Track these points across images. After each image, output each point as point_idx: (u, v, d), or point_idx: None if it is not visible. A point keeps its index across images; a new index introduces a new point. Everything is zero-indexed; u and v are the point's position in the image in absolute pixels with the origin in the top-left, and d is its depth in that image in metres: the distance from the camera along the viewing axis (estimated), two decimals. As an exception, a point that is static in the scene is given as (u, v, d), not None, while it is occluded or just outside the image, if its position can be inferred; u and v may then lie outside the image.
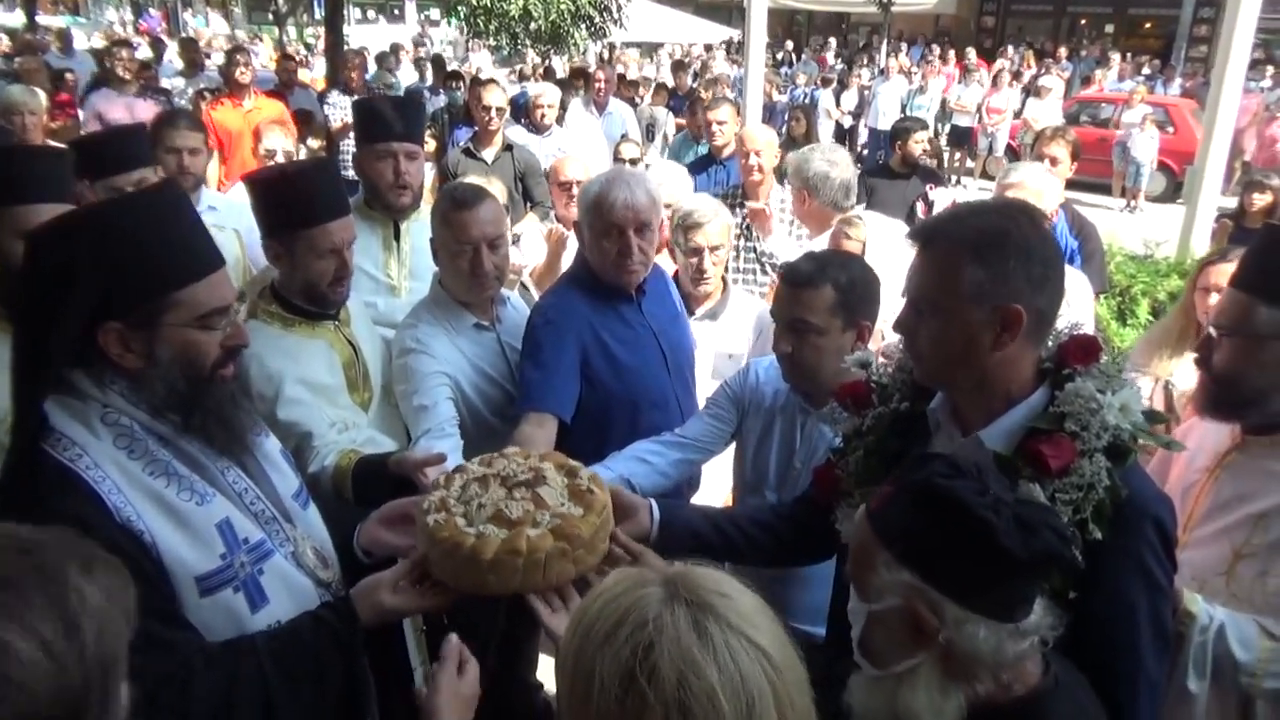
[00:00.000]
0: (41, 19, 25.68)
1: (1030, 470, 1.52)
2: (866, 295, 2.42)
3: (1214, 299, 2.90)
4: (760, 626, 1.07)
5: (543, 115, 6.76)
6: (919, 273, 1.64)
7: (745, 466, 2.70)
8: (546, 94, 6.96)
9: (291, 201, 2.46)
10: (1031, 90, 15.76)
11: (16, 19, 23.43)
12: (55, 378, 1.55)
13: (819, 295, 2.34)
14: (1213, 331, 2.03)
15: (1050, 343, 1.67)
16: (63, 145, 3.59)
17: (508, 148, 5.96)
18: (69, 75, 10.56)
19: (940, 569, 1.29)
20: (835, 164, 4.16)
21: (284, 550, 1.74)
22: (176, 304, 1.57)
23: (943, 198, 5.96)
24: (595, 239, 2.71)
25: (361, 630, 1.67)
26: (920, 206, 5.98)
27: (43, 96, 6.73)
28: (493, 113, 5.85)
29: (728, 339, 3.37)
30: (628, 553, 1.82)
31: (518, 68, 15.90)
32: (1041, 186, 3.81)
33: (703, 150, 6.65)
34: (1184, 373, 2.92)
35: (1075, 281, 3.76)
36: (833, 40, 25.90)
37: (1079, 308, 3.63)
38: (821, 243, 4.08)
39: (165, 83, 9.75)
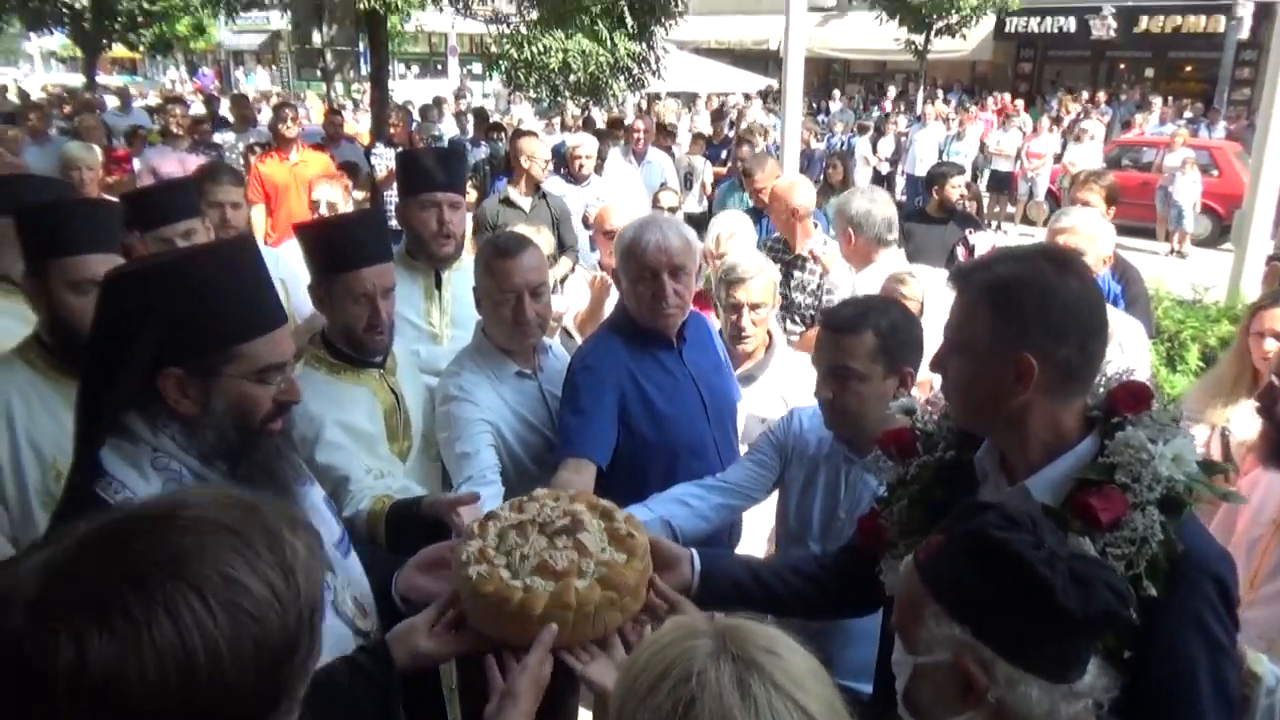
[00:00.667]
0: (101, 78, 26.77)
1: (1079, 523, 1.48)
2: (909, 341, 2.39)
3: (1269, 344, 2.84)
4: (810, 690, 1.03)
5: (580, 165, 6.89)
6: (951, 314, 1.65)
7: (788, 516, 2.65)
8: (584, 145, 7.10)
9: (329, 247, 2.54)
10: (1072, 135, 15.68)
11: (78, 79, 24.40)
12: (113, 421, 1.59)
13: (860, 341, 2.32)
14: (1275, 380, 1.98)
15: (1101, 389, 1.64)
16: (114, 198, 3.71)
17: (543, 195, 6.16)
18: (141, 131, 10.96)
19: (993, 625, 1.25)
20: (875, 201, 4.36)
21: (325, 598, 1.73)
22: (238, 356, 1.61)
23: (984, 242, 5.92)
24: (630, 283, 2.73)
25: (397, 675, 1.66)
26: (961, 251, 5.94)
27: (99, 152, 6.98)
28: (536, 162, 6.07)
29: (764, 403, 3.26)
30: (665, 601, 1.79)
31: (557, 119, 16.23)
32: (1094, 231, 3.77)
33: (749, 202, 6.72)
34: (1240, 420, 2.85)
35: (1128, 327, 3.70)
36: (857, 90, 26.05)
37: (1134, 354, 3.57)
38: (867, 278, 4.14)
39: (217, 137, 10.06)
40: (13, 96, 18.81)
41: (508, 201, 6.09)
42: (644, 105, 18.54)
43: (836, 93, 26.47)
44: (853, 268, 4.43)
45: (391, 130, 11.79)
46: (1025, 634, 1.23)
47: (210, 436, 1.61)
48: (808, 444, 2.58)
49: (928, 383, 2.53)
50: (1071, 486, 1.55)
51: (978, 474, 1.74)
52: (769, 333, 3.47)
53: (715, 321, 3.51)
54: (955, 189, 6.47)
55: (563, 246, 5.98)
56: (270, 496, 1.16)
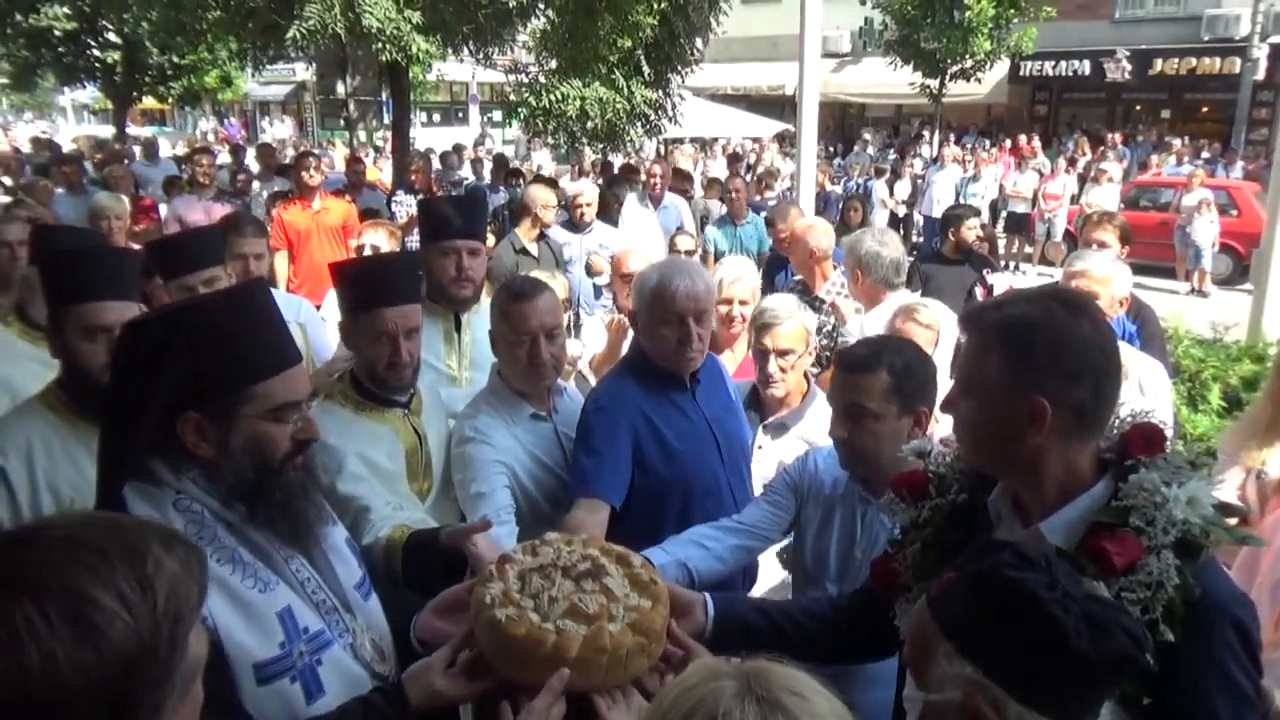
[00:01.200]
0: (131, 129, 27.39)
1: (1094, 567, 1.47)
2: (923, 380, 2.40)
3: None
4: None
5: (582, 214, 7.00)
6: (961, 354, 1.67)
7: (805, 557, 2.64)
8: (585, 192, 7.23)
9: (357, 285, 2.62)
10: (1090, 176, 15.71)
11: (108, 131, 24.98)
12: (135, 464, 1.62)
13: (874, 380, 2.33)
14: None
15: (1114, 431, 1.63)
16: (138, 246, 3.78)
17: (543, 237, 6.50)
18: (178, 180, 11.19)
19: (1005, 665, 1.24)
20: (885, 244, 4.44)
21: (343, 641, 1.75)
22: (254, 396, 1.64)
23: (1002, 283, 5.94)
24: (654, 327, 2.75)
25: (412, 715, 1.65)
26: (979, 291, 5.96)
27: (126, 202, 7.15)
28: (547, 210, 6.36)
29: (794, 453, 3.07)
30: (681, 648, 1.77)
31: (577, 165, 16.42)
32: (1109, 274, 3.78)
33: (764, 243, 6.82)
34: (1277, 462, 2.82)
35: (1148, 368, 3.70)
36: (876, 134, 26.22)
37: (1154, 394, 3.54)
38: (874, 319, 4.15)
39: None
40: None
41: (524, 251, 6.36)
42: (662, 150, 18.74)
43: (866, 135, 26.59)
44: (861, 307, 4.46)
45: (413, 177, 11.97)
46: (1037, 675, 1.23)
47: (229, 478, 1.63)
48: (823, 484, 2.58)
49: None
50: (1085, 530, 1.54)
51: (991, 517, 1.73)
52: (808, 379, 3.41)
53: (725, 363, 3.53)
54: (971, 230, 6.50)
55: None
56: (158, 524, 1.23)
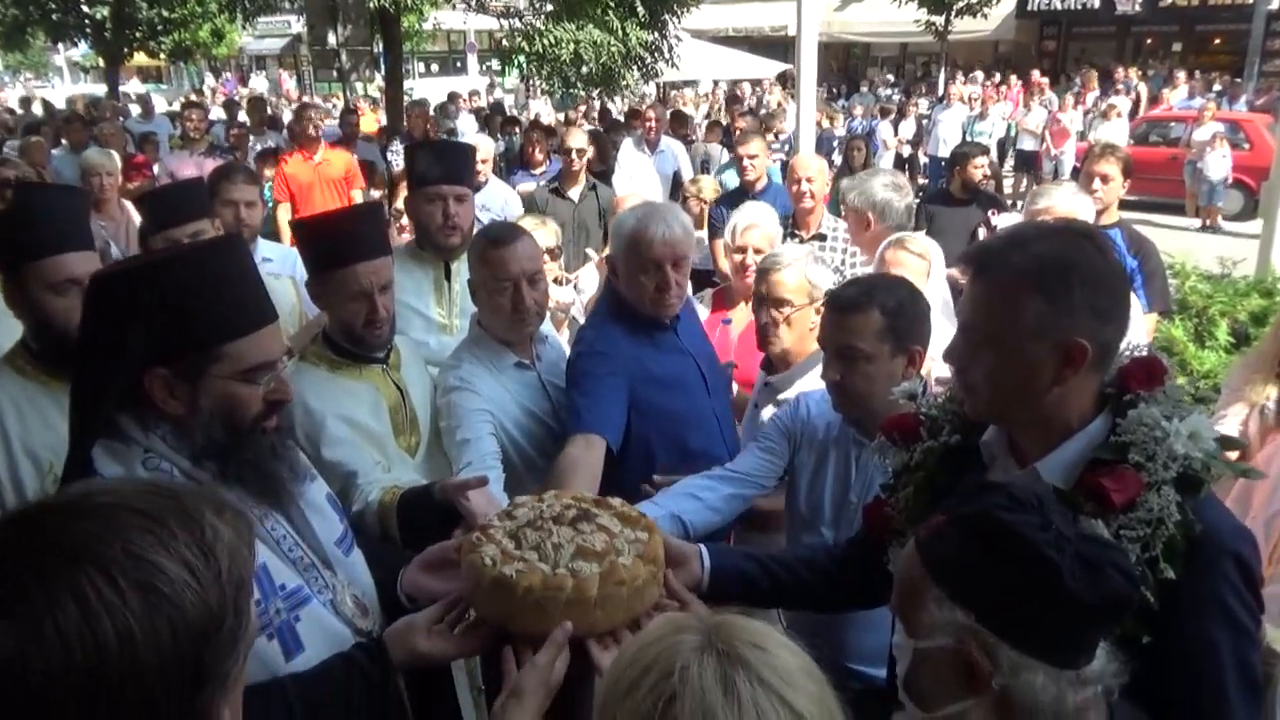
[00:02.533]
0: (127, 87, 27.08)
1: (1092, 505, 1.42)
2: (916, 318, 2.33)
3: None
4: (798, 686, 0.99)
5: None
6: (973, 302, 1.55)
7: (799, 502, 2.61)
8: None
9: (323, 244, 2.51)
10: (1098, 112, 15.42)
11: (103, 89, 24.72)
12: (105, 420, 1.57)
13: (866, 320, 2.27)
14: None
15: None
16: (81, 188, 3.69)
17: (592, 187, 6.48)
18: (152, 138, 11.09)
19: (997, 610, 1.20)
20: (899, 188, 4.26)
21: (322, 597, 1.72)
22: (222, 357, 1.58)
23: (1006, 222, 5.81)
24: (632, 274, 2.69)
25: (394, 673, 1.63)
26: (983, 232, 5.83)
27: (117, 158, 7.05)
28: (574, 154, 6.35)
29: None
30: (677, 599, 1.74)
31: (582, 110, 16.15)
32: (1073, 207, 3.65)
33: (733, 184, 6.67)
34: (1282, 397, 2.75)
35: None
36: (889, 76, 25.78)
37: (1134, 328, 3.45)
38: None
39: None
40: (38, 109, 19.07)
41: (557, 192, 6.38)
42: (660, 94, 18.45)
43: (874, 76, 26.04)
44: (865, 254, 4.33)
45: (408, 126, 11.81)
46: (1030, 619, 1.18)
47: (199, 437, 1.59)
48: (816, 429, 2.54)
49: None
50: (1083, 467, 1.49)
51: (984, 458, 1.68)
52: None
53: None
54: (978, 169, 6.35)
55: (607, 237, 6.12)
56: (199, 486, 1.18)
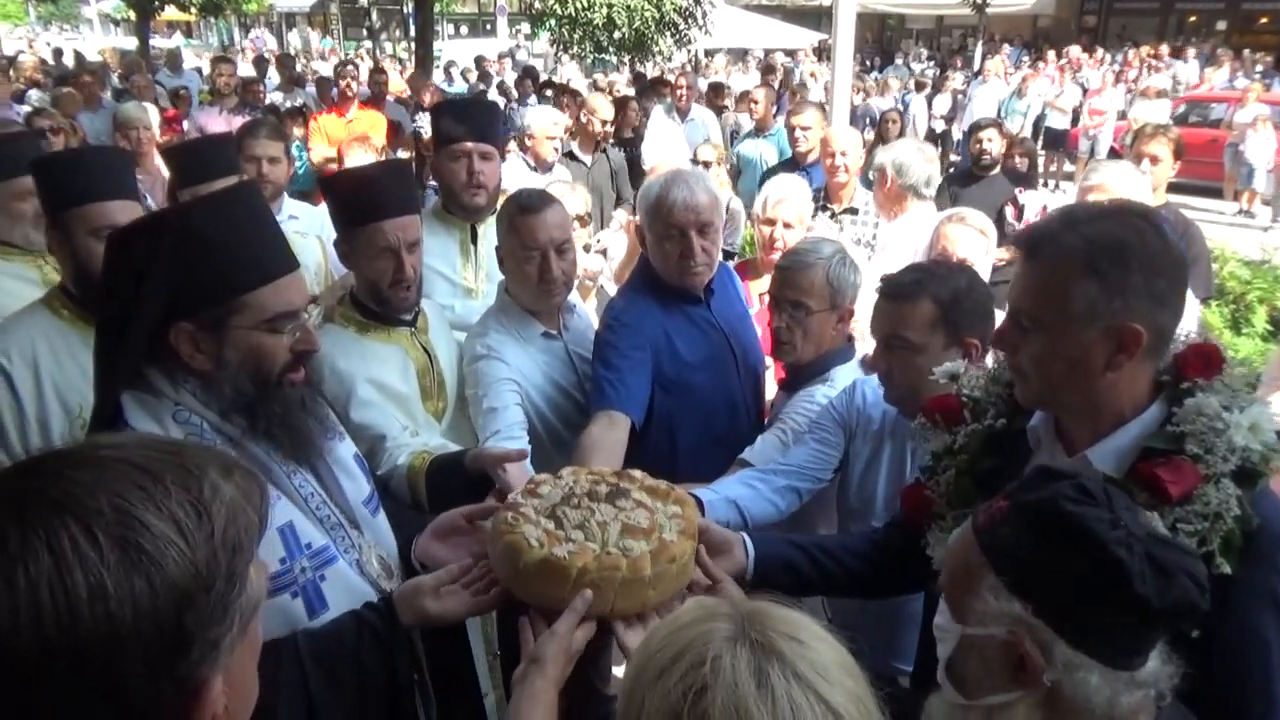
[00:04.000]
0: (157, 41, 27.08)
1: (1145, 496, 1.37)
2: (974, 309, 2.18)
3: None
4: (835, 682, 0.95)
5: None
6: (1023, 284, 1.49)
7: (849, 492, 2.48)
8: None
9: (350, 200, 2.48)
10: (1138, 90, 15.07)
11: (133, 43, 24.69)
12: (132, 372, 1.57)
13: (916, 310, 2.15)
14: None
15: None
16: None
17: (603, 150, 6.58)
18: (183, 92, 11.05)
19: (1058, 605, 1.14)
20: (923, 151, 4.29)
21: (349, 557, 1.71)
22: (243, 307, 1.57)
23: (1033, 201, 5.67)
24: (657, 241, 2.65)
25: (403, 632, 1.63)
26: (1010, 210, 5.70)
27: (154, 112, 7.01)
28: (596, 121, 6.47)
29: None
30: (709, 578, 1.70)
31: (612, 76, 15.98)
32: (1127, 188, 3.48)
33: (786, 155, 6.54)
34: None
35: None
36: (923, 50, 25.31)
37: (1186, 315, 3.35)
38: (897, 229, 4.06)
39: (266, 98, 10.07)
40: (68, 60, 19.07)
41: (570, 155, 6.34)
42: (693, 63, 18.21)
43: (911, 48, 25.59)
44: (883, 215, 4.29)
45: (426, 98, 11.71)
46: (1092, 619, 1.13)
47: (227, 391, 1.58)
48: (871, 419, 2.41)
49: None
50: (1135, 456, 1.44)
51: (1030, 443, 1.63)
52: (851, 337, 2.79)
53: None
54: (990, 142, 6.15)
55: (619, 199, 6.19)
56: (215, 448, 1.13)
